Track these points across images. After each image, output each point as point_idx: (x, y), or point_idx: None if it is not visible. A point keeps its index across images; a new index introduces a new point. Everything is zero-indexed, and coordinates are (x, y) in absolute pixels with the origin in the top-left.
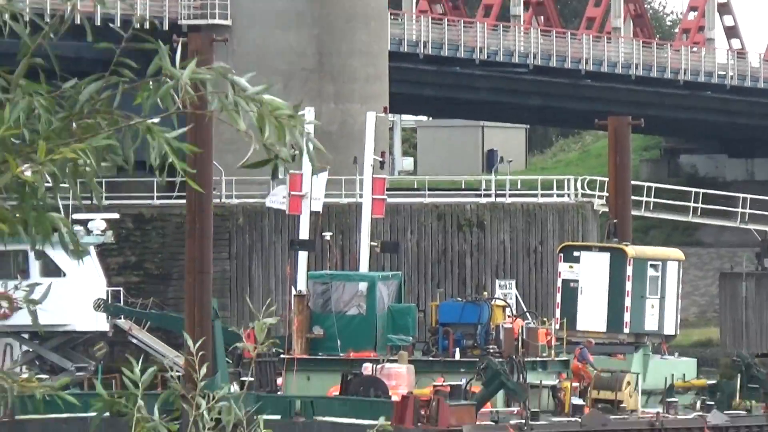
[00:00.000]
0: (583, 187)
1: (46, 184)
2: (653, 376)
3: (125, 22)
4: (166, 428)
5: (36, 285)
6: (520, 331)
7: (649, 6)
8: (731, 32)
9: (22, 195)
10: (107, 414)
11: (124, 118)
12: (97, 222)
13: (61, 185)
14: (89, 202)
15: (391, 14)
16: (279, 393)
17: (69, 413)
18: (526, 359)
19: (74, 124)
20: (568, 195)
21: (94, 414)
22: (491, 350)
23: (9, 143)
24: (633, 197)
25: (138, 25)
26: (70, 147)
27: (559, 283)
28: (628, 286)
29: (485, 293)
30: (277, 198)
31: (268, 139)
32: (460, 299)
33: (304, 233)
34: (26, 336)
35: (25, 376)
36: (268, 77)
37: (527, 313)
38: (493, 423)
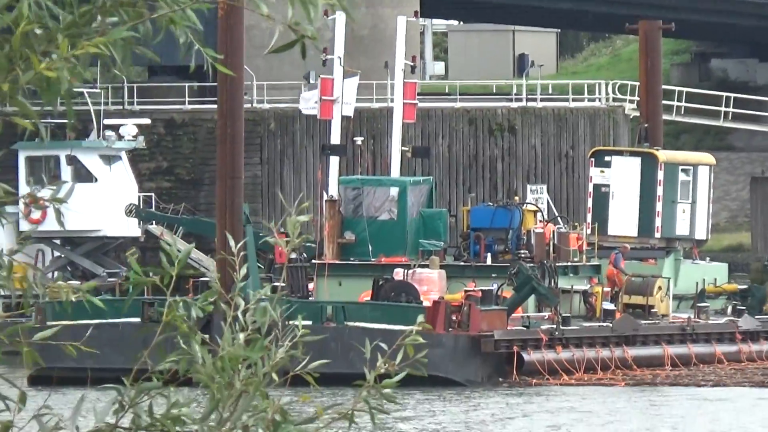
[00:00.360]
0: (614, 92)
1: (77, 89)
2: (684, 280)
3: None
4: (201, 309)
5: (63, 183)
6: (551, 235)
7: None
8: None
9: (44, 91)
10: (139, 320)
11: (147, 11)
12: (129, 127)
13: (91, 89)
14: (121, 106)
15: None
16: (310, 298)
17: (100, 319)
18: (557, 264)
19: (99, 17)
20: (599, 99)
21: (130, 290)
22: (522, 255)
23: (30, 39)
24: (664, 102)
25: None
26: (93, 41)
27: (591, 188)
28: (660, 190)
29: (516, 198)
30: (309, 103)
31: (292, 20)
32: (491, 204)
33: (335, 138)
34: (58, 242)
35: (59, 283)
36: None
37: (558, 218)
38: (524, 328)
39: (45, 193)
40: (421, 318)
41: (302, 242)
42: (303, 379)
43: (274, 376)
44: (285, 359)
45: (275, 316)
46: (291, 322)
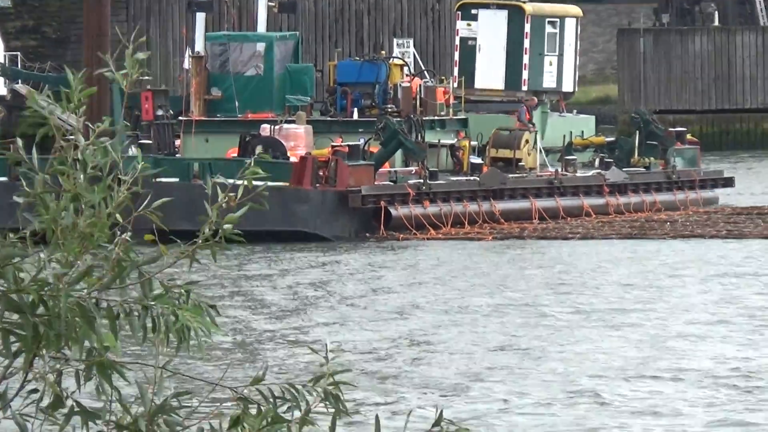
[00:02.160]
0: None
1: None
2: (551, 133)
3: None
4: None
5: None
6: (418, 90)
7: None
8: None
9: None
10: (5, 179)
11: None
12: None
13: None
14: None
15: None
16: (177, 155)
17: None
18: (424, 118)
19: None
20: None
21: None
22: (389, 110)
23: None
24: None
25: None
26: None
27: (457, 42)
28: (526, 43)
29: (383, 52)
30: None
31: None
32: (357, 59)
33: None
34: None
35: None
36: None
37: (425, 72)
38: (391, 183)
39: None
40: (259, 149)
41: (140, 76)
42: (164, 235)
43: (118, 216)
44: (127, 197)
45: (116, 157)
46: (134, 160)
